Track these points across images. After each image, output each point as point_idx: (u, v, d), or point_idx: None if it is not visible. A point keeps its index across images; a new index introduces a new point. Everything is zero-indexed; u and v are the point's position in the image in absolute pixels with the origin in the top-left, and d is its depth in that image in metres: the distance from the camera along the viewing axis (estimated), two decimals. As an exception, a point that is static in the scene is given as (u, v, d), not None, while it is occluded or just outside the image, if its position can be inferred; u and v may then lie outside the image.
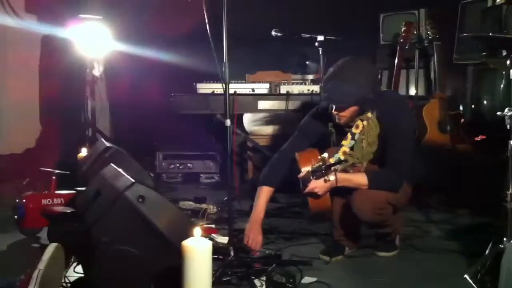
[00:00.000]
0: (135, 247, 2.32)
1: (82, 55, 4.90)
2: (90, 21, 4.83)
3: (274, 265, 2.79)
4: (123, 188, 2.42)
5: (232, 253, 2.81)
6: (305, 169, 2.92)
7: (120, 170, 2.69)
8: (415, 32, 5.15)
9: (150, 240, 2.34)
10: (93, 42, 4.85)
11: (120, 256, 2.32)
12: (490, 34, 3.94)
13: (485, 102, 4.68)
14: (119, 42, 4.94)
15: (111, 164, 2.86)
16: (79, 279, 2.58)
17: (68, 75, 5.09)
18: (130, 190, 2.40)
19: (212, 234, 3.35)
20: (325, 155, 2.79)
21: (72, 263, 2.70)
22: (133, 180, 2.46)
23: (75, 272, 2.64)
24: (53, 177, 3.43)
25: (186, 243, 2.04)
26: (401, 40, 4.91)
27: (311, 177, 2.82)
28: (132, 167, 3.30)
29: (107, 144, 3.60)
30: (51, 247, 2.39)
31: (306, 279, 2.73)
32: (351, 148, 3.02)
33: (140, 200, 2.39)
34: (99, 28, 4.84)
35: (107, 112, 5.42)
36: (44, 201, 3.29)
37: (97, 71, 5.06)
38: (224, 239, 3.15)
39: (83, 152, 4.02)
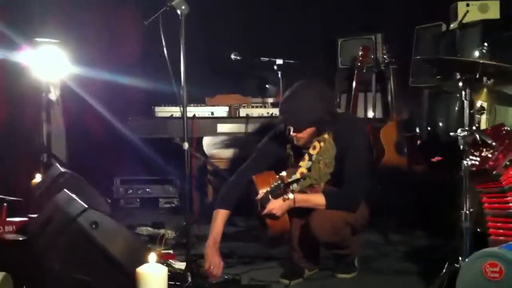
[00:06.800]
0: (88, 274, 2.27)
1: (37, 79, 4.80)
2: (47, 45, 4.75)
3: (232, 290, 2.76)
4: (75, 214, 2.37)
5: (189, 279, 2.77)
6: (262, 191, 2.91)
7: (73, 195, 2.63)
8: (371, 56, 5.23)
9: (103, 267, 2.29)
10: (49, 65, 4.76)
11: (72, 284, 2.25)
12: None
13: (440, 124, 4.77)
14: (76, 66, 4.86)
15: (65, 189, 2.79)
16: (30, 308, 2.49)
17: (23, 99, 4.97)
18: (83, 216, 2.36)
19: (170, 260, 3.29)
20: (283, 173, 2.79)
21: (23, 293, 2.60)
22: (86, 206, 2.40)
23: (26, 301, 2.54)
24: (4, 204, 3.33)
25: (141, 270, 2.00)
26: (359, 64, 4.99)
27: (270, 197, 2.82)
28: (87, 193, 3.25)
29: (62, 169, 3.52)
30: (-1, 276, 2.31)
31: (265, 304, 2.71)
32: (309, 169, 3.02)
33: (93, 226, 2.34)
34: (55, 51, 4.76)
35: (63, 136, 5.29)
36: (-6, 229, 3.19)
37: (53, 95, 4.95)
38: (182, 265, 3.09)
39: (37, 178, 3.92)
